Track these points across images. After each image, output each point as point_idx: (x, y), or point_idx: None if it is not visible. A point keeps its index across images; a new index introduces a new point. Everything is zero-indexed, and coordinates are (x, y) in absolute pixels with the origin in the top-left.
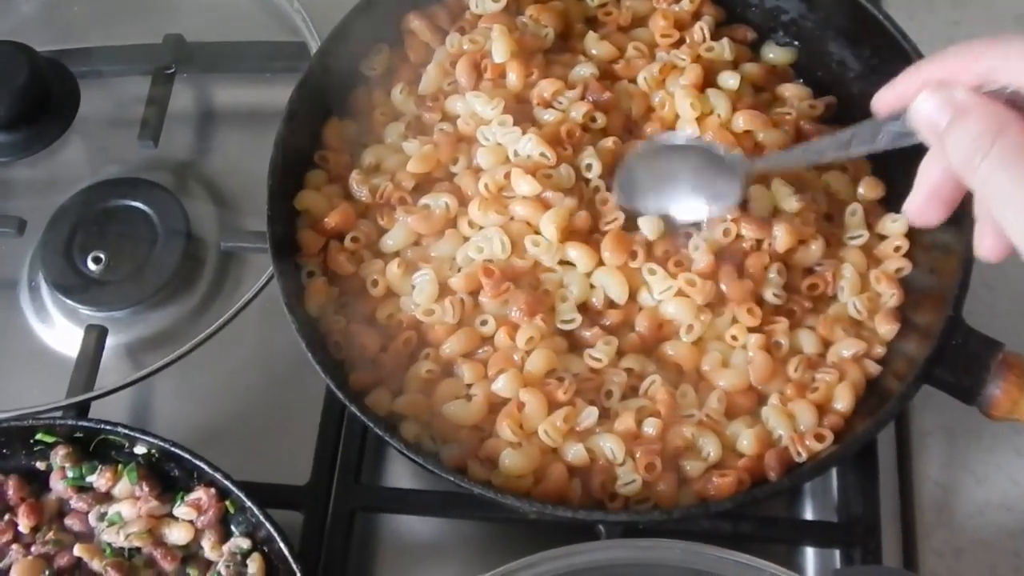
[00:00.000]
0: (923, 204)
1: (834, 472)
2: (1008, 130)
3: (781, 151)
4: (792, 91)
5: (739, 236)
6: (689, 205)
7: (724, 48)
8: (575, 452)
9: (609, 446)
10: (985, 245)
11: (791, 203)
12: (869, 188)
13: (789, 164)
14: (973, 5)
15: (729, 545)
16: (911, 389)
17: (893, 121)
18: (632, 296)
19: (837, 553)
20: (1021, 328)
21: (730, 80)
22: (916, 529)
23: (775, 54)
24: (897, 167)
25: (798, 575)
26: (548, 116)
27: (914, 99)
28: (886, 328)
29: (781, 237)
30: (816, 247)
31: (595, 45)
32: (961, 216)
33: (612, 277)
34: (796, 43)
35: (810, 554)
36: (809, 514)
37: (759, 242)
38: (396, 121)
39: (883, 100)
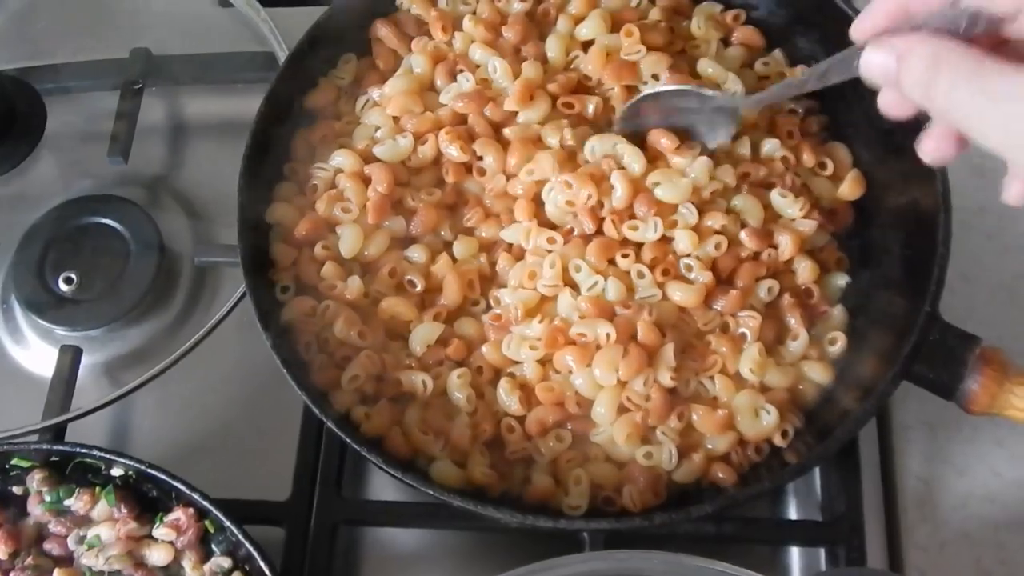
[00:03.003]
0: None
1: (817, 471)
2: (947, 54)
3: (766, 90)
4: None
5: (731, 247)
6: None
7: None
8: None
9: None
10: (927, 149)
11: (793, 211)
12: (851, 188)
13: (775, 99)
14: None
15: (713, 547)
16: (890, 386)
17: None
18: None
19: (822, 552)
20: (998, 322)
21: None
22: (900, 524)
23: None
24: None
25: None
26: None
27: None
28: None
29: (787, 245)
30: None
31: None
32: (935, 212)
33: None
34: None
35: (795, 554)
36: (793, 513)
37: (756, 253)
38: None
39: (861, 28)
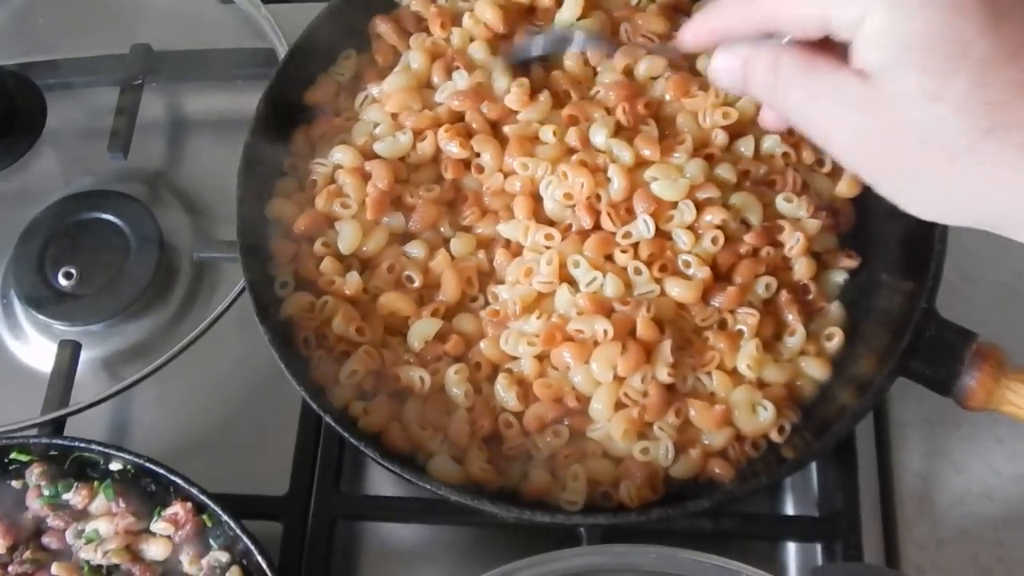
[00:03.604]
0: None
1: (814, 467)
2: (785, 56)
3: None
4: None
5: (730, 243)
6: None
7: None
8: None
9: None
10: (766, 119)
11: (800, 212)
12: (848, 185)
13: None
14: None
15: (710, 543)
16: (886, 382)
17: None
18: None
19: (819, 548)
20: (995, 318)
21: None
22: (897, 521)
23: None
24: None
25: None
26: None
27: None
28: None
29: (796, 245)
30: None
31: None
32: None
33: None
34: None
35: (792, 549)
36: (790, 509)
37: (755, 250)
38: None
39: (687, 41)
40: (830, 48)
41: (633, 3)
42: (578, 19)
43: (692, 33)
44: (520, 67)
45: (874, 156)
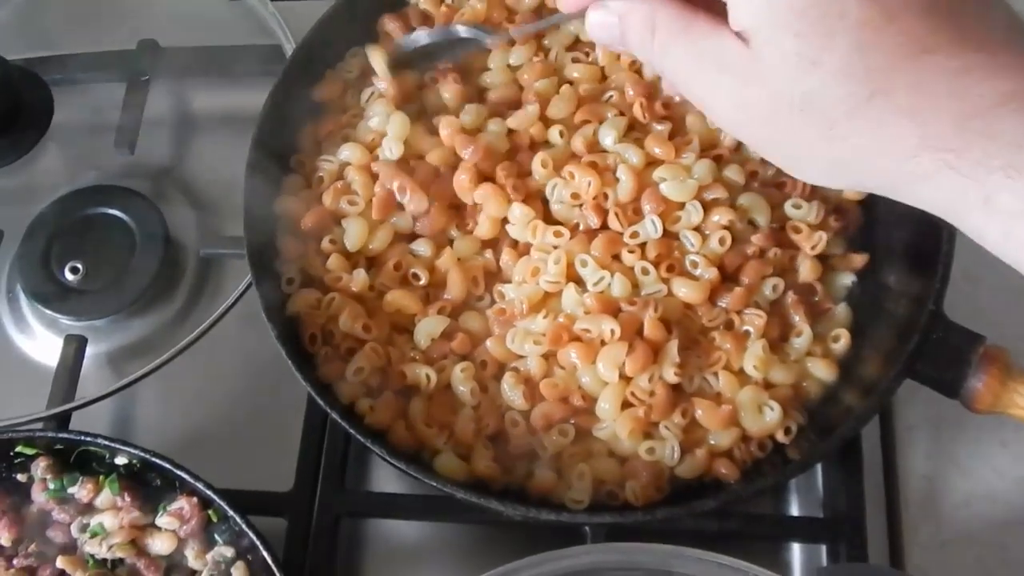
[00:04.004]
0: None
1: (819, 468)
2: (661, 13)
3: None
4: None
5: (737, 243)
6: None
7: None
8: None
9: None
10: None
11: (809, 216)
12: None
13: (524, 32)
14: None
15: (715, 543)
16: (893, 384)
17: None
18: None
19: (823, 549)
20: (1002, 321)
21: None
22: (902, 523)
23: None
24: None
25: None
26: None
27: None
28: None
29: (822, 241)
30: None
31: None
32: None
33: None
34: None
35: (796, 550)
36: (795, 510)
37: (762, 250)
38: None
39: (566, 3)
40: (711, 3)
41: None
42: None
43: None
44: (403, 64)
45: (754, 122)
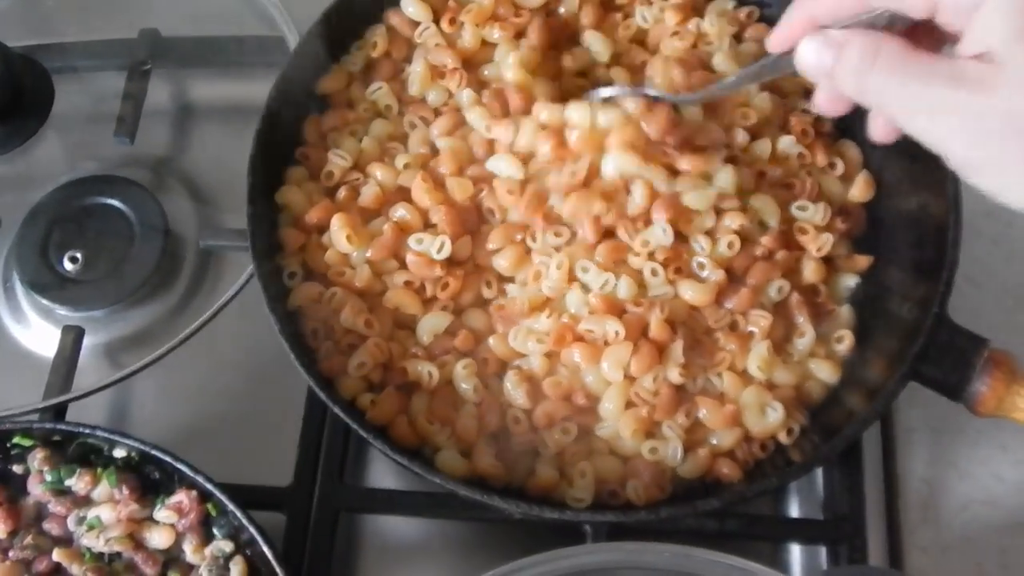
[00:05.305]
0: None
1: (819, 470)
2: (886, 45)
3: (704, 88)
4: None
5: (745, 245)
6: None
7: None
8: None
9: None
10: (877, 130)
11: (816, 217)
12: (861, 189)
13: (711, 97)
14: None
15: (715, 543)
16: (897, 387)
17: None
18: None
19: (823, 550)
20: (1006, 325)
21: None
22: (902, 526)
23: None
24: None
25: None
26: None
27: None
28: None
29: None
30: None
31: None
32: (946, 214)
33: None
34: None
35: (796, 551)
36: (795, 512)
37: (770, 252)
38: (378, 118)
39: (775, 41)
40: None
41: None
42: None
43: (786, 26)
44: None
45: (990, 139)
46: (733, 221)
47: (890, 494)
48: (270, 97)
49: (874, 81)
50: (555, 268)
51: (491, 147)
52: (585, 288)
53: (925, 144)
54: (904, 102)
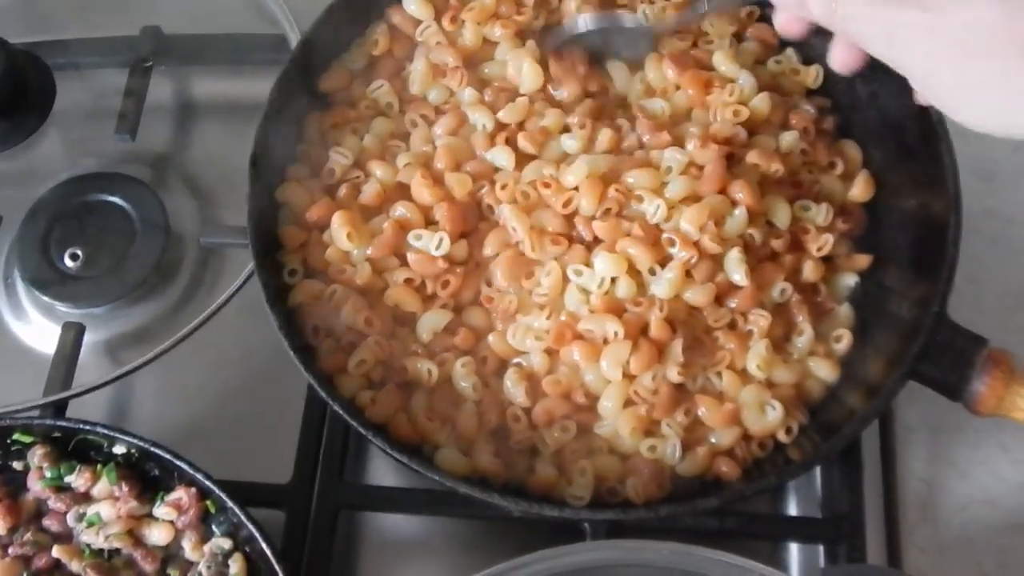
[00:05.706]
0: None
1: (818, 468)
2: None
3: (676, 13)
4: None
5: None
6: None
7: None
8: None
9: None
10: (837, 57)
11: (818, 217)
12: (861, 189)
13: (683, 22)
14: None
15: (714, 541)
16: (896, 386)
17: None
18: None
19: (821, 549)
20: (1006, 324)
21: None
22: (900, 525)
23: None
24: None
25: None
26: None
27: None
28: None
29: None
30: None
31: None
32: (946, 213)
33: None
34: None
35: (794, 550)
36: (793, 510)
37: (775, 254)
38: (380, 117)
39: None
40: None
41: None
42: None
43: None
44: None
45: (938, 54)
46: (755, 233)
47: (889, 493)
48: (271, 95)
49: (841, 10)
50: (545, 276)
51: (491, 141)
52: (583, 290)
53: (889, 65)
54: (866, 24)
